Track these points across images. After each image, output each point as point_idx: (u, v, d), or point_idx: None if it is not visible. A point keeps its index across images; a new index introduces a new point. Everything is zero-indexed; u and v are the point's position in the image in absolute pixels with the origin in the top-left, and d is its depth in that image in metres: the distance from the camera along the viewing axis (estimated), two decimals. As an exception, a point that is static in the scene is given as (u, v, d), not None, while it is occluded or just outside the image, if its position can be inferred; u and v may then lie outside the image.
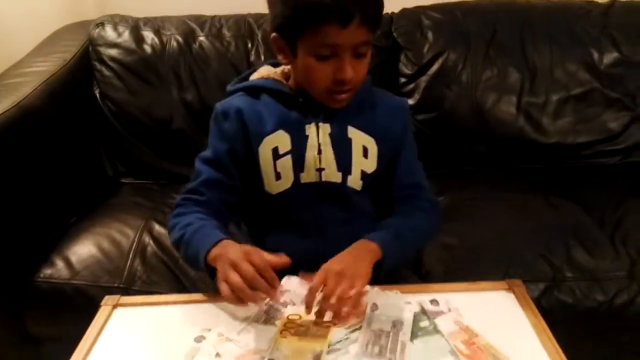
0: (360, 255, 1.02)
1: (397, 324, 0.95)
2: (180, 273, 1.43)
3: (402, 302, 1.00)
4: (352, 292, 0.93)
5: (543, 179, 1.79)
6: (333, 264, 0.97)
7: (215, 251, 0.98)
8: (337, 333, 0.93)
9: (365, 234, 1.07)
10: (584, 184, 1.74)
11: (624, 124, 1.84)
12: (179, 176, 1.78)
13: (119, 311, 1.07)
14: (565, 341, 0.92)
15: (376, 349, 0.89)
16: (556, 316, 0.99)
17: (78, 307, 1.37)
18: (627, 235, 1.50)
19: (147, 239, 1.52)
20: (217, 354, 0.91)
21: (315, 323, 0.93)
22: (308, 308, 0.94)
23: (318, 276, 0.95)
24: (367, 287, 1.04)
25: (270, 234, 1.18)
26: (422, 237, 1.19)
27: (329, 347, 0.91)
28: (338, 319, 0.93)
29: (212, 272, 0.99)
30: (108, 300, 1.09)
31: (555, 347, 0.92)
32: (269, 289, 0.90)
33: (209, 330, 0.97)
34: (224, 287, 0.92)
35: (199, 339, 0.95)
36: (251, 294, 0.90)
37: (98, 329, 1.01)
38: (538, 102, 1.86)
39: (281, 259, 0.93)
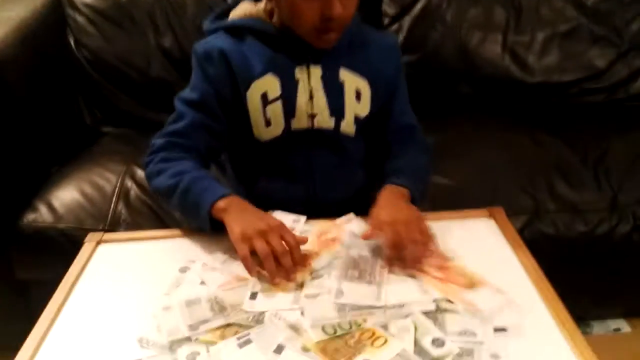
0: (401, 201, 1.01)
1: (375, 250, 0.96)
2: (165, 215, 1.42)
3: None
4: (430, 233, 0.94)
5: (528, 117, 1.79)
6: (390, 215, 0.95)
7: (222, 204, 0.96)
8: (318, 261, 0.94)
9: (389, 180, 1.05)
10: (569, 122, 1.74)
11: (610, 60, 1.83)
12: (159, 124, 1.73)
13: (102, 247, 1.06)
14: (546, 270, 0.94)
15: (356, 273, 0.90)
16: (538, 247, 0.99)
17: (63, 251, 1.34)
18: (610, 170, 1.52)
19: (129, 183, 1.50)
20: (202, 282, 0.92)
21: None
22: (390, 264, 0.92)
23: (386, 232, 0.93)
24: (351, 215, 1.05)
25: (259, 180, 1.16)
26: (429, 175, 1.19)
27: (311, 274, 0.91)
28: (420, 262, 0.92)
29: (213, 224, 0.97)
30: (91, 237, 1.09)
31: (536, 270, 0.93)
32: (293, 269, 0.89)
33: (194, 261, 0.98)
34: (244, 250, 0.89)
35: (184, 270, 0.96)
36: (275, 267, 0.88)
37: (81, 266, 1.01)
38: (524, 41, 1.84)
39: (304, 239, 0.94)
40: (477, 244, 1.00)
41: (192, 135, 1.07)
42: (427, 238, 0.95)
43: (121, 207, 1.45)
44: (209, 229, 0.98)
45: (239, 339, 0.79)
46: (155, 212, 1.43)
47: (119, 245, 1.08)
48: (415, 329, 0.80)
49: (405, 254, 0.91)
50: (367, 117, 1.13)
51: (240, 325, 0.82)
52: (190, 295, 0.88)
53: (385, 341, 0.77)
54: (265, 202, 1.03)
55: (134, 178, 1.52)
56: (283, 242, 0.90)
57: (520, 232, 1.32)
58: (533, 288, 0.89)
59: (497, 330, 0.80)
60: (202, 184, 1.00)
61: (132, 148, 1.67)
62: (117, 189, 1.49)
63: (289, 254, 0.89)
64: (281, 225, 0.93)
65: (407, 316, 0.82)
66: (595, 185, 1.47)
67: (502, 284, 0.89)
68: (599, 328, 1.61)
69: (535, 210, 1.41)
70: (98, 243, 1.07)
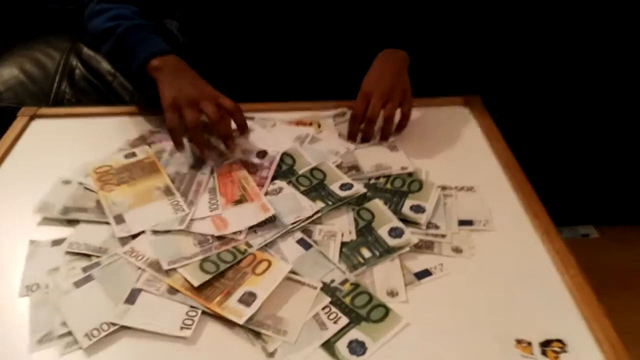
0: (397, 67, 0.91)
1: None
2: (114, 97, 1.30)
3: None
4: (405, 109, 0.87)
5: None
6: (372, 83, 0.88)
7: (157, 62, 0.85)
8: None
9: (390, 42, 0.95)
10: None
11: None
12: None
13: (37, 122, 0.96)
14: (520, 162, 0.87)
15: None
16: (512, 142, 0.92)
17: (3, 131, 1.24)
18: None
19: (74, 61, 1.36)
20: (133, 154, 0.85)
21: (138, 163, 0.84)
22: (353, 137, 0.88)
23: (359, 100, 0.86)
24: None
25: (217, 48, 1.04)
26: (432, 34, 1.06)
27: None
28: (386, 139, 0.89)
29: (144, 80, 0.86)
30: (25, 111, 0.98)
31: (512, 163, 0.86)
32: (232, 138, 0.82)
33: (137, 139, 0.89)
34: (172, 120, 0.81)
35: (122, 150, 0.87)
36: (204, 139, 0.81)
37: (11, 140, 0.90)
38: None
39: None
40: (451, 133, 0.93)
41: None
42: (404, 111, 0.88)
43: (65, 86, 1.31)
44: (138, 86, 0.89)
45: (85, 270, 0.67)
46: (102, 92, 1.31)
47: (55, 121, 0.97)
48: (371, 218, 0.74)
49: (366, 128, 0.87)
50: None
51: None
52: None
53: (269, 265, 0.67)
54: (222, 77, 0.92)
55: (79, 56, 1.37)
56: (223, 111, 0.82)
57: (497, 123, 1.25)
58: (507, 181, 0.83)
59: (463, 223, 0.74)
60: (140, 35, 0.88)
61: (78, 25, 1.49)
62: (60, 66, 1.35)
63: (226, 120, 0.82)
64: (217, 93, 0.84)
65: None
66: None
67: (475, 176, 0.82)
68: (568, 233, 1.61)
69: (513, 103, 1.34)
70: (32, 118, 0.96)
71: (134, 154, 0.85)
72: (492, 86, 1.33)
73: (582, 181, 1.48)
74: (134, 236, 0.71)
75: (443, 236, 0.72)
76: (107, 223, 0.73)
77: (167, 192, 0.77)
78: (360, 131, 0.90)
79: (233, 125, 0.85)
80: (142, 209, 0.75)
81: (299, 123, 0.93)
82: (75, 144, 0.90)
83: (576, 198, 1.54)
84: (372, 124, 0.88)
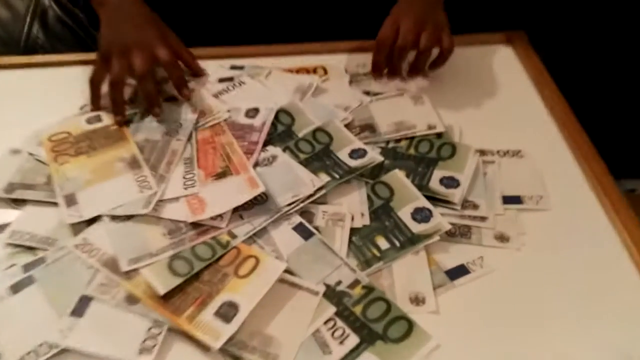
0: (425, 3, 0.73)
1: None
2: (92, 41, 1.12)
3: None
4: (446, 43, 0.70)
5: None
6: (404, 10, 0.71)
7: None
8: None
9: None
10: None
11: None
12: None
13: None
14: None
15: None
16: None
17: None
18: None
19: (47, 0, 1.18)
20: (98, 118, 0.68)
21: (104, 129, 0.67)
22: (378, 69, 0.73)
23: (387, 25, 0.70)
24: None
25: None
26: None
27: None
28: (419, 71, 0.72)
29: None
30: (-23, 61, 0.82)
31: (566, 112, 0.68)
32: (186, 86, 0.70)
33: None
34: (96, 74, 0.69)
35: (85, 106, 0.71)
36: (121, 99, 0.68)
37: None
38: None
39: None
40: (490, 80, 0.74)
41: None
42: (445, 45, 0.70)
43: (37, 29, 1.14)
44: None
45: (25, 268, 0.53)
46: (80, 36, 1.13)
47: (9, 73, 0.81)
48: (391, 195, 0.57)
49: (393, 59, 0.71)
50: None
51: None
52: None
53: (256, 263, 0.51)
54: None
55: (53, -7, 1.19)
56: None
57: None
58: (563, 142, 0.65)
59: (509, 200, 0.58)
60: None
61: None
62: (31, 8, 1.17)
63: (178, 65, 0.70)
64: (159, 39, 0.68)
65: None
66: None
67: (522, 136, 0.65)
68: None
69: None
70: (-16, 69, 0.80)
71: (98, 118, 0.69)
72: (539, 20, 1.12)
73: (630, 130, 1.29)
74: (90, 222, 0.57)
75: (483, 219, 0.55)
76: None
77: (133, 164, 0.62)
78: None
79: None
80: (100, 186, 0.60)
81: (300, 71, 0.76)
82: (31, 103, 0.74)
83: (623, 148, 1.35)
84: (403, 54, 0.70)
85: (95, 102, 0.69)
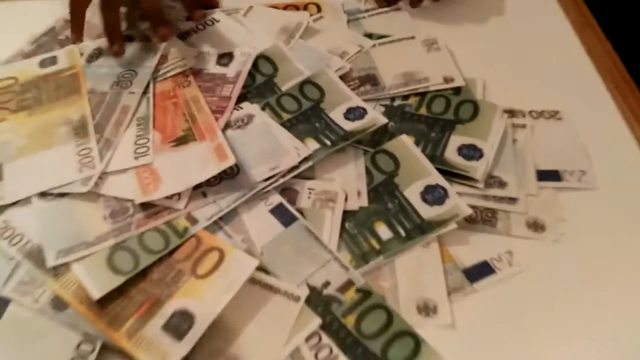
0: None
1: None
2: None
3: None
4: None
5: None
6: None
7: None
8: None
9: None
10: None
11: None
12: None
13: None
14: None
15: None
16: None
17: None
18: None
19: None
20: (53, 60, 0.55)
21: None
22: None
23: None
24: None
25: None
26: None
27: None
28: None
29: None
30: None
31: (616, 64, 0.55)
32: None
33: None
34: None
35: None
36: (117, 23, 0.55)
37: None
38: None
39: None
40: (521, 22, 0.61)
41: None
42: None
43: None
44: None
45: None
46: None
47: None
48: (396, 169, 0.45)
49: None
50: None
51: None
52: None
53: (221, 257, 0.40)
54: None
55: None
56: None
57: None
58: (612, 102, 0.52)
59: (544, 176, 0.46)
60: None
61: None
62: None
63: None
64: None
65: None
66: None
67: (561, 94, 0.52)
68: None
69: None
70: None
71: (54, 60, 0.56)
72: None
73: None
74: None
75: (512, 201, 0.44)
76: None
77: (79, 130, 0.49)
78: None
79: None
80: (33, 158, 0.47)
81: (288, 7, 0.62)
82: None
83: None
84: None
85: (77, 30, 0.56)
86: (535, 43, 0.58)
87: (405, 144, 0.47)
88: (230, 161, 0.44)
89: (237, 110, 0.50)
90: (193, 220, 0.42)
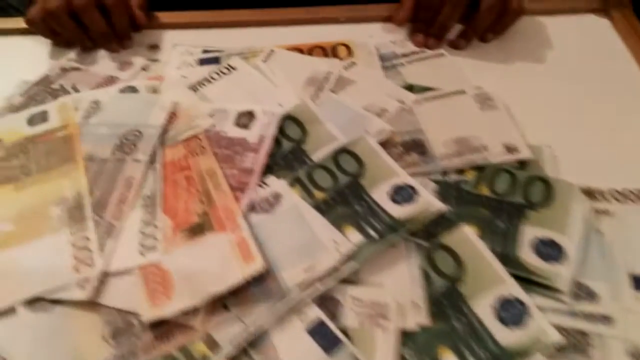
0: None
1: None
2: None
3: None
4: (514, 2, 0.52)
5: None
6: None
7: None
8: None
9: None
10: None
11: None
12: None
13: None
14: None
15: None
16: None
17: None
18: None
19: None
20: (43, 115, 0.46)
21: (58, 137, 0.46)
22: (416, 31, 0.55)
23: None
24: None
25: None
26: None
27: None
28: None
29: None
30: None
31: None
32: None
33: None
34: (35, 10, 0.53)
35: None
36: (104, 22, 0.53)
37: None
38: None
39: None
40: (585, 67, 0.53)
41: None
42: (512, 6, 0.52)
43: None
44: None
45: None
46: None
47: None
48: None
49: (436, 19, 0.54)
50: None
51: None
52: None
53: None
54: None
55: None
56: None
57: None
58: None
59: None
60: None
61: None
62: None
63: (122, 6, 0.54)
64: None
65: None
66: None
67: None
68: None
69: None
70: None
71: (44, 117, 0.48)
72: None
73: None
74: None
75: (606, 320, 0.36)
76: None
77: (75, 211, 0.41)
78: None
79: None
80: (19, 252, 0.39)
81: (314, 50, 0.54)
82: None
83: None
84: (453, 13, 0.52)
85: (53, 35, 0.54)
86: (609, 97, 0.50)
87: (468, 239, 0.38)
88: (258, 265, 0.36)
89: (262, 187, 0.42)
90: (213, 345, 0.34)
